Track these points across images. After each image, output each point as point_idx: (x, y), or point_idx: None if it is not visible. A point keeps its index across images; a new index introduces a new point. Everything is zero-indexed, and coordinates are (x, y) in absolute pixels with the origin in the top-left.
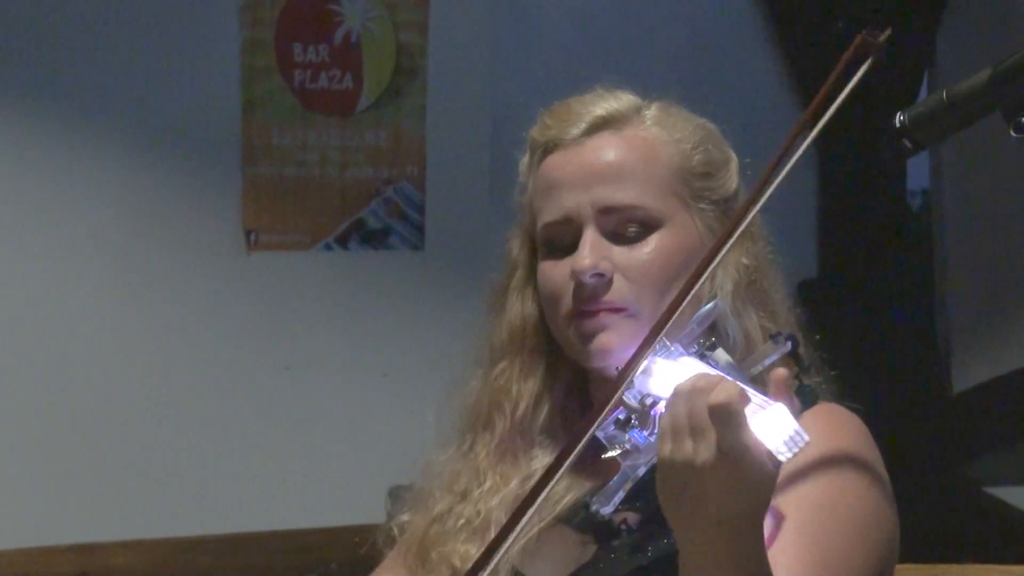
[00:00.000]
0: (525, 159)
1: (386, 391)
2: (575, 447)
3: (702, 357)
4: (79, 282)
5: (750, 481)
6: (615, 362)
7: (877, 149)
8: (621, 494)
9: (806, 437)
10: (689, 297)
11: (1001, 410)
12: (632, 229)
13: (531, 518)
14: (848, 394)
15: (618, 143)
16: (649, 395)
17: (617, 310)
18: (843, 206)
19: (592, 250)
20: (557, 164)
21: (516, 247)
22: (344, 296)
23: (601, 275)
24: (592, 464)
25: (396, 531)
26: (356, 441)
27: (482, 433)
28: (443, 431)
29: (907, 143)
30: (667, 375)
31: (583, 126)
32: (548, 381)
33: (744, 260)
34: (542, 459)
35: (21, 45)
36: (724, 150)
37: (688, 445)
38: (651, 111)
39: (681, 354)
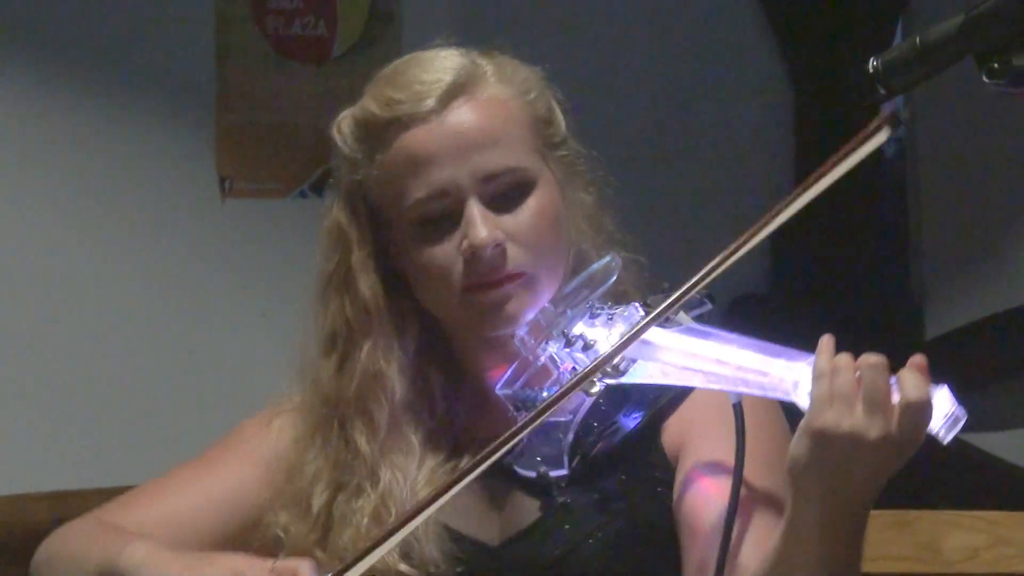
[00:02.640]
0: (348, 134)
1: None
2: (527, 426)
3: (687, 327)
4: (51, 230)
5: (904, 459)
6: (521, 326)
7: (851, 96)
8: (567, 455)
9: (964, 416)
10: (710, 275)
11: (975, 356)
12: (511, 193)
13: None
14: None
15: (478, 108)
16: (627, 359)
17: (517, 276)
18: (819, 153)
19: (484, 223)
20: (420, 139)
21: (347, 225)
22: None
23: (498, 246)
24: (480, 421)
25: (281, 534)
26: None
27: (355, 423)
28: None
29: (881, 89)
30: (676, 344)
31: (436, 96)
32: (407, 356)
33: (586, 197)
34: (439, 440)
35: None
36: (547, 88)
37: (860, 417)
38: (488, 66)
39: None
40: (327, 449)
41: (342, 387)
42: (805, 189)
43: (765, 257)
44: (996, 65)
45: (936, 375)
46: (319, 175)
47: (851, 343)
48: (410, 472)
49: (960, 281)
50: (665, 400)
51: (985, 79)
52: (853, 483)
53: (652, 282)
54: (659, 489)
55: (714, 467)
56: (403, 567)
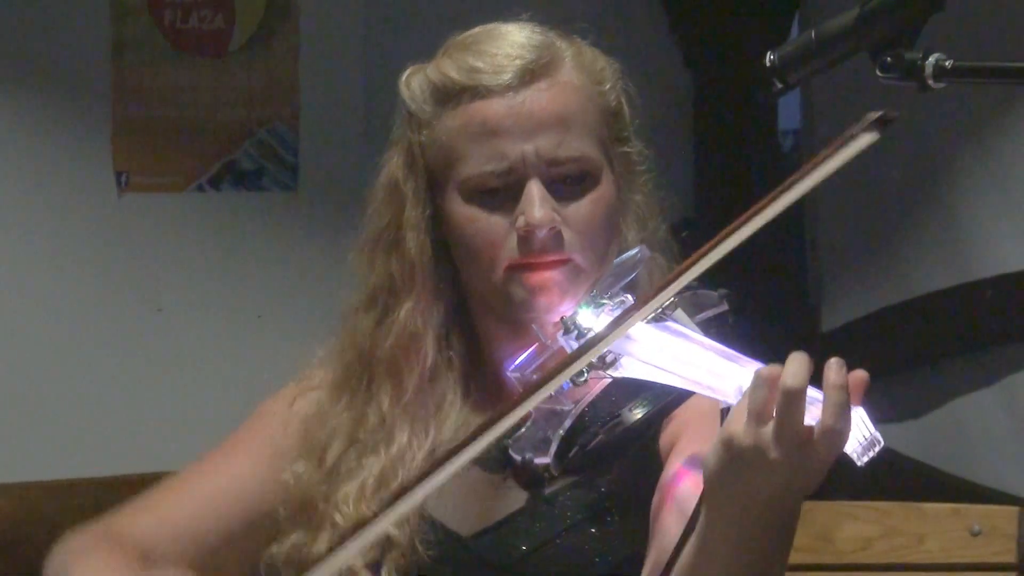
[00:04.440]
0: (419, 92)
1: (260, 332)
2: (523, 401)
3: (663, 323)
4: None
5: (811, 479)
6: (559, 313)
7: (749, 88)
8: (556, 443)
9: (881, 441)
10: (686, 275)
11: (868, 348)
12: (573, 181)
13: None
14: None
15: (554, 91)
16: (614, 353)
17: (565, 261)
18: (717, 146)
19: (542, 204)
20: (494, 111)
21: (403, 182)
22: (217, 237)
23: (553, 228)
24: (491, 400)
25: (291, 479)
26: (229, 382)
27: (383, 382)
28: (324, 375)
29: (777, 82)
30: (653, 343)
31: (515, 73)
32: (445, 324)
33: (638, 197)
34: (450, 413)
35: None
36: (620, 81)
37: (766, 435)
38: (568, 52)
39: (653, 321)
40: (353, 404)
41: (377, 344)
42: (794, 183)
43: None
44: (889, 59)
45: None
46: (217, 169)
47: (748, 336)
48: (425, 441)
49: (854, 275)
50: (671, 399)
51: (878, 73)
52: (760, 499)
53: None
54: (644, 490)
55: (691, 471)
56: (393, 532)
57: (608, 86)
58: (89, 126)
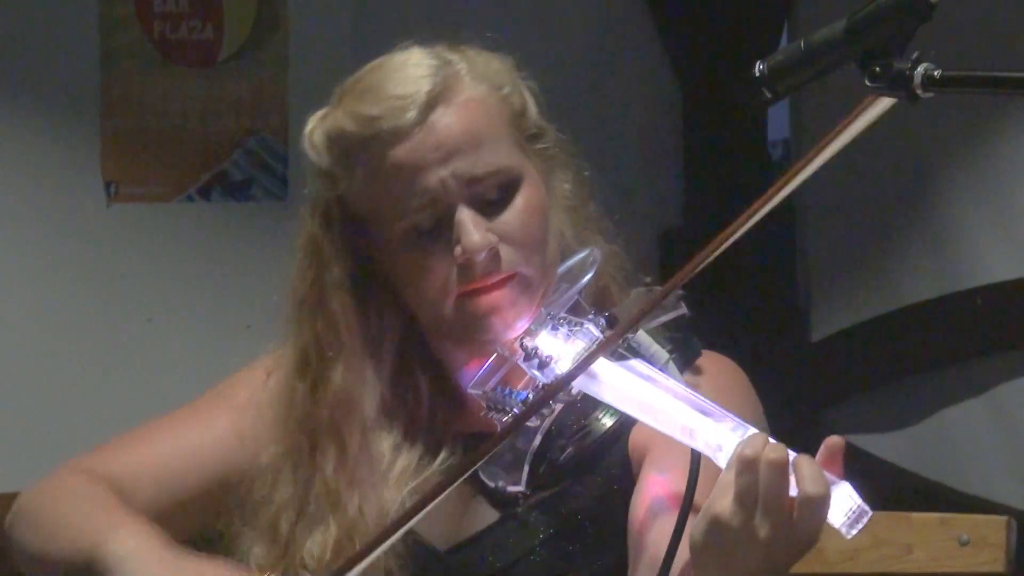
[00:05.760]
0: (323, 149)
1: (249, 343)
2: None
3: (628, 348)
4: None
5: (798, 550)
6: (516, 329)
7: (739, 98)
8: (527, 468)
9: (869, 512)
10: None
11: (858, 358)
12: (498, 194)
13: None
14: (710, 341)
15: (458, 113)
16: (579, 391)
17: (510, 278)
18: (706, 156)
19: (476, 228)
20: (405, 152)
21: (322, 239)
22: (207, 248)
23: (491, 250)
24: (460, 416)
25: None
26: None
27: (326, 449)
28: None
29: (767, 93)
30: (616, 382)
31: (416, 109)
32: (379, 373)
33: (566, 186)
34: (392, 454)
35: None
36: (519, 78)
37: (755, 517)
38: (460, 63)
39: (593, 336)
40: (296, 474)
41: (315, 413)
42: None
43: (656, 273)
44: (878, 69)
45: (821, 377)
46: (207, 179)
47: (739, 345)
48: (379, 488)
49: (844, 284)
50: None
51: (867, 83)
52: (747, 571)
53: (630, 272)
54: (617, 501)
55: (671, 484)
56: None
57: (508, 88)
58: (78, 136)
